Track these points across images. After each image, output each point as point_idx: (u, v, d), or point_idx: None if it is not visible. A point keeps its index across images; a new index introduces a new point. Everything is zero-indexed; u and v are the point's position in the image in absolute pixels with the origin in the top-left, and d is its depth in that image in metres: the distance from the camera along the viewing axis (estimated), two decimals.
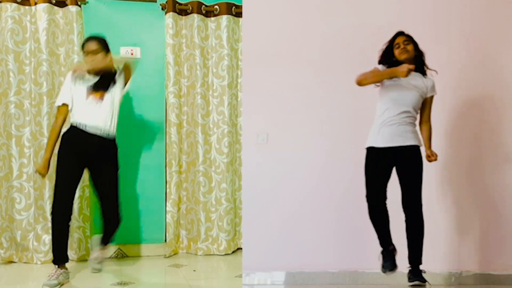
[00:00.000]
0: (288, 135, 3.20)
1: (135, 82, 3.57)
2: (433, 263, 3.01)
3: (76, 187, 2.90)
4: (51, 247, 2.89)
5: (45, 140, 3.34)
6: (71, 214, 2.86)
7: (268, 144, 3.23)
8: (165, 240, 3.67)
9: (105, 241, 2.94)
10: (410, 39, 2.76)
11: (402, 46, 2.74)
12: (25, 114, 3.33)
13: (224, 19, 3.71)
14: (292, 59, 3.21)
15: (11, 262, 3.36)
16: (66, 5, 3.43)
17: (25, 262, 3.35)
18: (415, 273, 2.63)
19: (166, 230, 3.67)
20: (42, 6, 3.34)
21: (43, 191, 3.36)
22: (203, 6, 3.72)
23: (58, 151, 2.87)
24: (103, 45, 2.90)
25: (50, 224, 3.34)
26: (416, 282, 2.60)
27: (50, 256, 3.34)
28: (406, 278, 2.75)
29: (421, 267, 2.65)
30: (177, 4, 3.64)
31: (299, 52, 3.22)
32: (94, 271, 2.91)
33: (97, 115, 2.84)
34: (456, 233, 3.05)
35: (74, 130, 2.86)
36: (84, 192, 3.42)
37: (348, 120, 3.11)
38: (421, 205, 2.64)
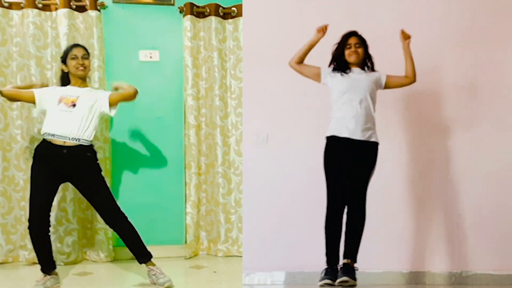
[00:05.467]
0: (288, 135, 3.21)
1: (154, 84, 3.62)
2: (433, 263, 3.00)
3: (50, 202, 2.79)
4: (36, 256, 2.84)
5: None
6: (48, 225, 2.79)
7: (268, 144, 3.24)
8: (185, 242, 3.69)
9: (140, 256, 2.91)
10: (361, 42, 2.76)
11: (353, 48, 2.74)
12: None
13: (242, 21, 3.72)
14: None
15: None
16: (86, 10, 3.47)
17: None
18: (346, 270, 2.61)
19: (186, 232, 3.69)
20: (62, 12, 3.40)
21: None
22: (221, 8, 3.73)
23: (31, 166, 2.81)
24: (88, 53, 2.99)
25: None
26: (345, 278, 2.57)
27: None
28: (406, 278, 2.75)
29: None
30: (194, 7, 3.66)
31: None
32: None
33: (67, 123, 2.76)
34: (456, 233, 3.03)
35: (44, 145, 2.79)
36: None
37: None
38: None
